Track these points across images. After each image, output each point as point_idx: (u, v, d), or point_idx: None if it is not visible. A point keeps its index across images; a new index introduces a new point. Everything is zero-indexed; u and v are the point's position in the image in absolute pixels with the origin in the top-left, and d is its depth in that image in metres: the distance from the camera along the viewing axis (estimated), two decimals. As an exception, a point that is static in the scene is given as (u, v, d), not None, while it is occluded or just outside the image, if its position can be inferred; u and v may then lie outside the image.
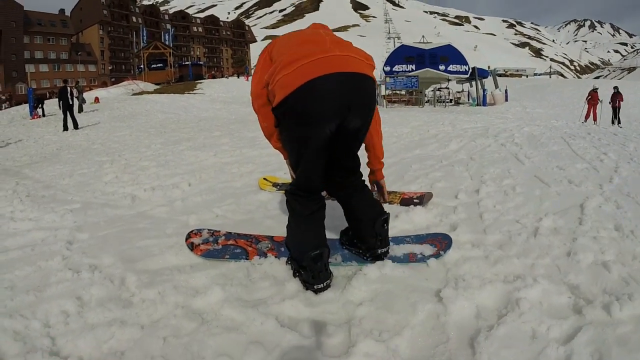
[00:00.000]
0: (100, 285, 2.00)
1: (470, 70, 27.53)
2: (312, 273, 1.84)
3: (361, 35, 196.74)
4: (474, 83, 28.11)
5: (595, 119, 16.80)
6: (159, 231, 2.87)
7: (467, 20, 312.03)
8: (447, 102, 26.39)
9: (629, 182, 3.54)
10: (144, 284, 2.01)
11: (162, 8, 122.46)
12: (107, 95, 32.29)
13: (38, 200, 4.12)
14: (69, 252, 2.54)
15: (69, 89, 15.25)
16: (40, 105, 22.26)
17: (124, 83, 42.53)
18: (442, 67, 27.49)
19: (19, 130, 16.34)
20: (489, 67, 32.07)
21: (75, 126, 14.55)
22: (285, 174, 4.39)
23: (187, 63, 59.61)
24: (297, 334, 1.58)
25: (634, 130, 9.53)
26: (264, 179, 4.11)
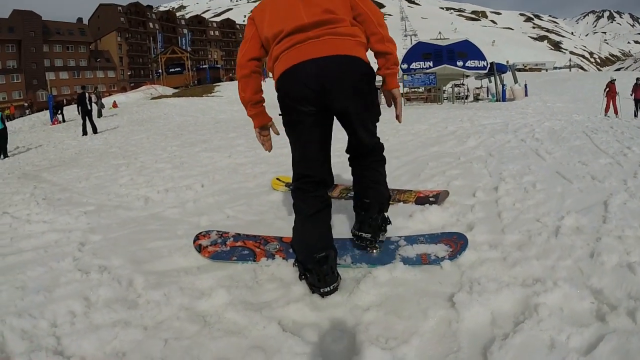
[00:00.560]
0: (107, 286, 2.01)
1: (489, 66, 27.01)
2: (318, 276, 1.79)
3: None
4: (492, 78, 27.58)
5: (616, 112, 16.26)
6: (169, 232, 2.88)
7: (484, 15, 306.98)
8: (465, 98, 25.93)
9: (655, 177, 3.34)
10: (150, 285, 2.02)
11: (178, 14, 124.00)
12: (126, 100, 32.94)
13: (54, 203, 4.21)
14: (80, 254, 2.57)
15: (87, 94, 15.54)
16: (60, 112, 22.85)
17: (143, 88, 43.30)
18: (460, 63, 27.00)
19: (39, 135, 16.81)
20: (507, 62, 31.43)
21: (95, 131, 14.84)
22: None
23: (204, 66, 60.30)
24: (299, 339, 1.52)
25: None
26: (277, 179, 4.07)
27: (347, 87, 1.79)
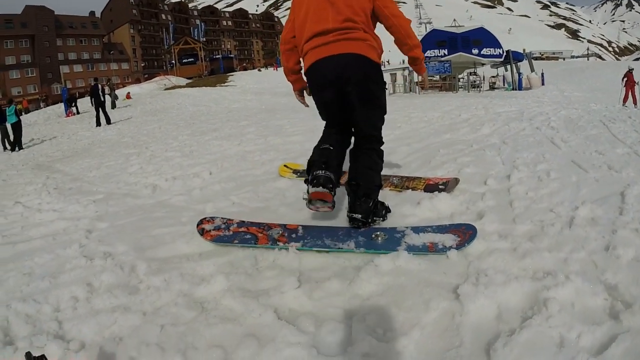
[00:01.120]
0: (110, 272, 2.04)
1: (505, 54, 26.37)
2: (311, 177, 2.26)
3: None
4: (509, 67, 26.94)
5: (635, 102, 15.78)
6: (174, 219, 2.91)
7: (500, 2, 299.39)
8: (479, 86, 25.40)
9: (674, 168, 3.17)
10: (152, 271, 2.04)
11: (190, 4, 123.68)
12: (140, 91, 33.19)
13: (65, 192, 4.33)
14: (86, 241, 2.62)
15: (99, 86, 15.68)
16: (74, 104, 23.17)
17: (156, 79, 43.59)
18: (475, 51, 26.38)
19: (53, 128, 17.08)
20: (524, 50, 30.66)
21: (108, 121, 15.00)
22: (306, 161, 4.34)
23: (218, 57, 60.43)
24: (294, 328, 1.48)
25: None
26: (285, 165, 4.04)
27: (355, 75, 2.26)
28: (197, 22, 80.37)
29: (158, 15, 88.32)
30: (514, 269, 1.69)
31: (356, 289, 1.69)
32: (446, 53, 26.24)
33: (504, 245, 1.93)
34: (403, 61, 27.11)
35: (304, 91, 2.67)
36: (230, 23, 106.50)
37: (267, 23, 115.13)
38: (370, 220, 2.29)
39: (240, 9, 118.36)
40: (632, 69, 16.95)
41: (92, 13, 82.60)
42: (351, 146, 2.50)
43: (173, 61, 52.17)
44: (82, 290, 1.88)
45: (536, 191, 2.70)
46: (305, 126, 7.11)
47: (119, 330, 1.59)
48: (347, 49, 2.24)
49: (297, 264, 1.96)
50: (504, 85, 26.82)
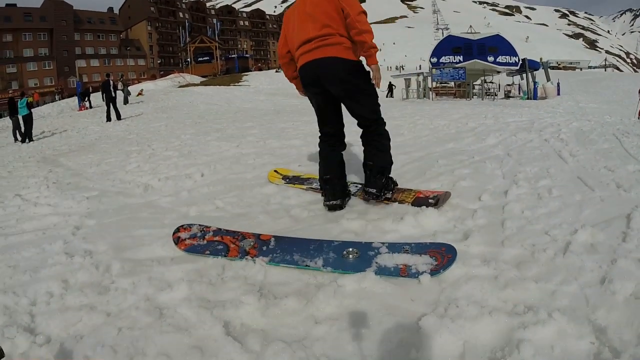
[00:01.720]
0: (86, 271, 2.09)
1: (521, 62, 25.95)
2: (324, 191, 2.87)
3: (409, 27, 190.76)
4: (524, 75, 26.49)
5: (651, 115, 15.31)
6: (157, 221, 2.93)
7: (518, 10, 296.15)
8: (494, 94, 25.02)
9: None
10: (124, 272, 2.08)
11: (208, 4, 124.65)
12: (154, 88, 33.52)
13: (63, 187, 4.39)
14: (72, 237, 2.68)
15: (111, 82, 15.76)
16: (87, 98, 23.47)
17: (171, 76, 44.05)
18: (490, 59, 26.04)
19: (65, 121, 17.25)
20: (540, 59, 30.17)
21: (118, 117, 15.07)
22: (299, 166, 4.32)
23: (233, 56, 60.80)
24: (239, 345, 1.41)
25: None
26: (275, 171, 3.93)
27: (333, 77, 2.69)
28: (214, 21, 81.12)
29: (175, 13, 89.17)
30: (492, 300, 1.52)
31: (312, 310, 1.58)
32: (461, 60, 26.03)
33: (485, 271, 1.75)
34: (420, 66, 26.81)
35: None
36: (247, 23, 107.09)
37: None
38: (382, 194, 2.77)
39: (258, 9, 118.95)
40: None
41: (111, 9, 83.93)
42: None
43: (189, 59, 52.68)
44: (58, 286, 1.94)
45: (533, 210, 2.51)
46: (307, 130, 6.99)
47: (82, 328, 1.62)
48: (324, 54, 2.67)
49: (261, 277, 1.92)
50: (519, 93, 26.40)
